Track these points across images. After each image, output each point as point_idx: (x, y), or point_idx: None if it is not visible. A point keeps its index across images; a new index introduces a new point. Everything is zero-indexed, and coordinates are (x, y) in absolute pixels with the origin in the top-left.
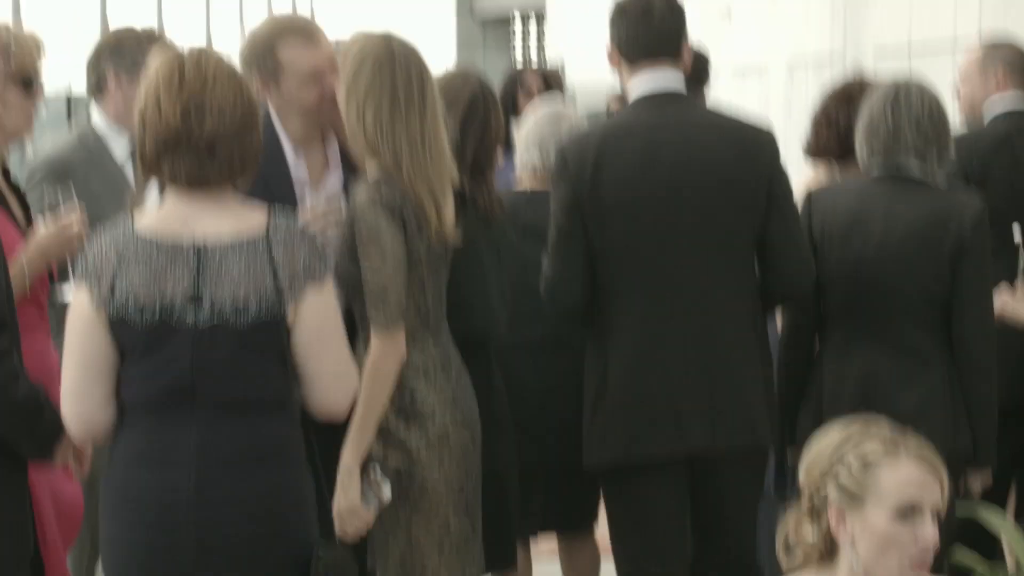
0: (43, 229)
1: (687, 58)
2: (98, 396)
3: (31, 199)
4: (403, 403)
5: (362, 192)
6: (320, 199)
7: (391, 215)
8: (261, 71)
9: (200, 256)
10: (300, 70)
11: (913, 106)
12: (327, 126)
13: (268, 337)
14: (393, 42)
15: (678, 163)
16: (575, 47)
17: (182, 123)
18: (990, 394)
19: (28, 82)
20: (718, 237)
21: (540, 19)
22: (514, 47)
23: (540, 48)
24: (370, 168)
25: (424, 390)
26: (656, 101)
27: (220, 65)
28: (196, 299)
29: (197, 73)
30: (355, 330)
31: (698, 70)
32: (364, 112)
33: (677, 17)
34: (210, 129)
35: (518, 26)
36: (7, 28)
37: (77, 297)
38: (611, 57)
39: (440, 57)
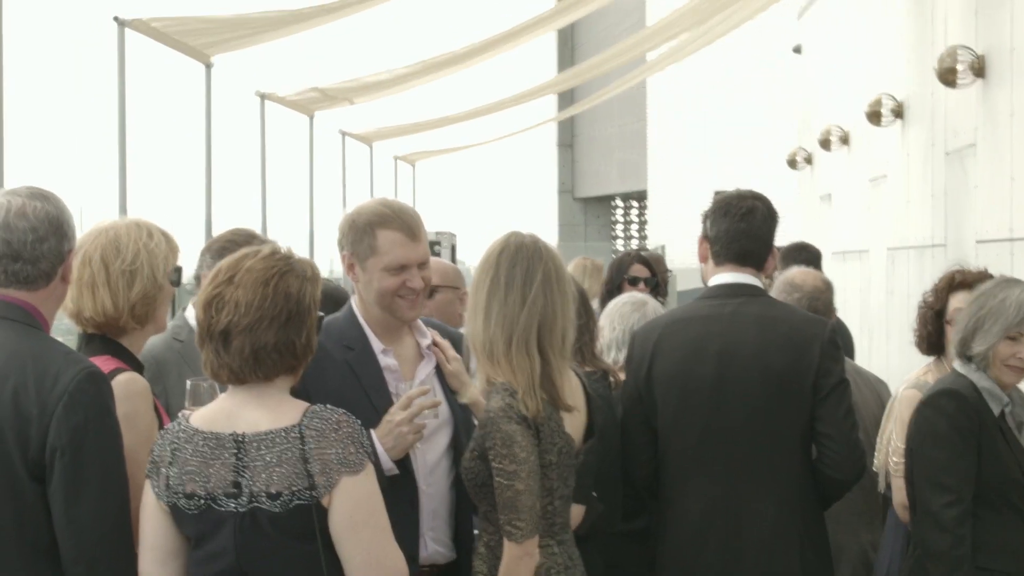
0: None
1: (770, 265)
2: None
3: None
4: None
5: (496, 399)
6: (413, 388)
7: (525, 424)
8: (355, 248)
9: (239, 446)
10: (392, 260)
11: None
12: (411, 318)
13: (303, 522)
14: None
15: (724, 355)
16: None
17: (204, 315)
18: None
19: (176, 281)
20: (763, 427)
21: (641, 198)
22: (615, 225)
23: (641, 226)
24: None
25: None
26: (724, 291)
27: (257, 264)
28: (236, 485)
29: (229, 270)
30: None
31: (808, 259)
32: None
33: (772, 224)
34: (224, 321)
35: (619, 204)
36: (148, 224)
37: (146, 488)
38: (700, 247)
39: (543, 236)
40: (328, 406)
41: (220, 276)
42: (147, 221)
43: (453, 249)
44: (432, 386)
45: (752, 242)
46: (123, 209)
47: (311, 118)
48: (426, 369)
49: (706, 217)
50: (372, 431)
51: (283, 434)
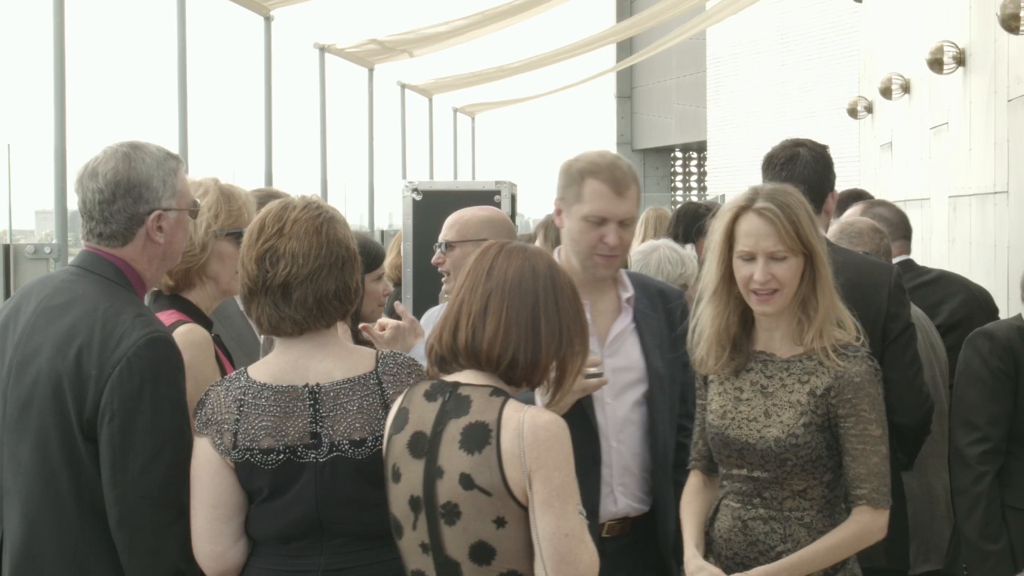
0: None
1: (830, 205)
2: (228, 535)
3: None
4: None
5: (856, 362)
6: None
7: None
8: (563, 193)
9: (315, 397)
10: (593, 210)
11: None
12: (604, 276)
13: (383, 468)
14: None
15: None
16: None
17: (257, 269)
18: None
19: (240, 235)
20: None
21: (700, 149)
22: (674, 177)
23: (700, 178)
24: None
25: None
26: None
27: (301, 215)
28: (315, 436)
29: (275, 223)
30: None
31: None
32: None
33: (822, 167)
34: (283, 273)
35: (678, 155)
36: (216, 182)
37: (199, 446)
38: None
39: None
40: (396, 352)
41: (268, 230)
42: (211, 179)
43: (513, 199)
44: (623, 343)
45: (800, 183)
46: (184, 163)
47: (371, 70)
48: (621, 324)
49: (762, 171)
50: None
51: (361, 382)
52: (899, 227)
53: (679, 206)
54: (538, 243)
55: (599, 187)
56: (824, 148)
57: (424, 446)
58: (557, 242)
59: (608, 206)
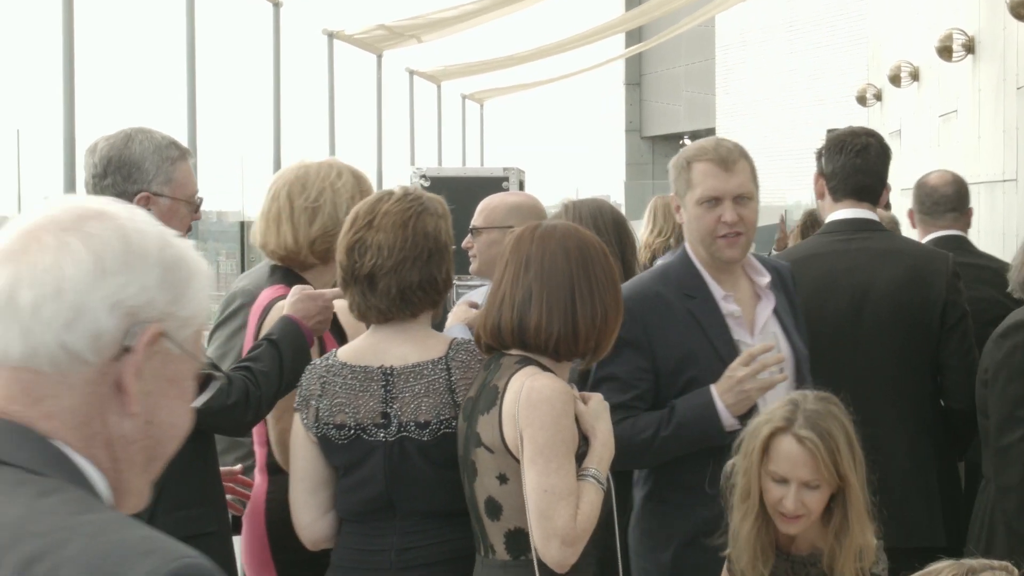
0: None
1: (885, 196)
2: (314, 507)
3: (235, 324)
4: None
5: None
6: (763, 339)
7: None
8: (677, 186)
9: (387, 378)
10: (703, 191)
11: None
12: (732, 258)
13: (448, 450)
14: None
15: (857, 291)
16: None
17: (347, 259)
18: None
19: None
20: (897, 363)
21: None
22: None
23: None
24: None
25: None
26: (846, 226)
27: (393, 207)
28: (384, 416)
29: (367, 215)
30: None
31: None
32: None
33: (886, 158)
34: (369, 264)
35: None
36: (347, 165)
37: (295, 422)
38: (816, 184)
39: (610, 174)
40: (470, 340)
41: (359, 221)
42: (341, 162)
43: (521, 185)
44: (773, 331)
45: (868, 177)
46: (192, 149)
47: (379, 57)
48: (765, 312)
49: (820, 154)
50: (712, 387)
51: (430, 366)
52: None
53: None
54: None
55: (705, 167)
56: (884, 140)
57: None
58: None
59: (718, 183)
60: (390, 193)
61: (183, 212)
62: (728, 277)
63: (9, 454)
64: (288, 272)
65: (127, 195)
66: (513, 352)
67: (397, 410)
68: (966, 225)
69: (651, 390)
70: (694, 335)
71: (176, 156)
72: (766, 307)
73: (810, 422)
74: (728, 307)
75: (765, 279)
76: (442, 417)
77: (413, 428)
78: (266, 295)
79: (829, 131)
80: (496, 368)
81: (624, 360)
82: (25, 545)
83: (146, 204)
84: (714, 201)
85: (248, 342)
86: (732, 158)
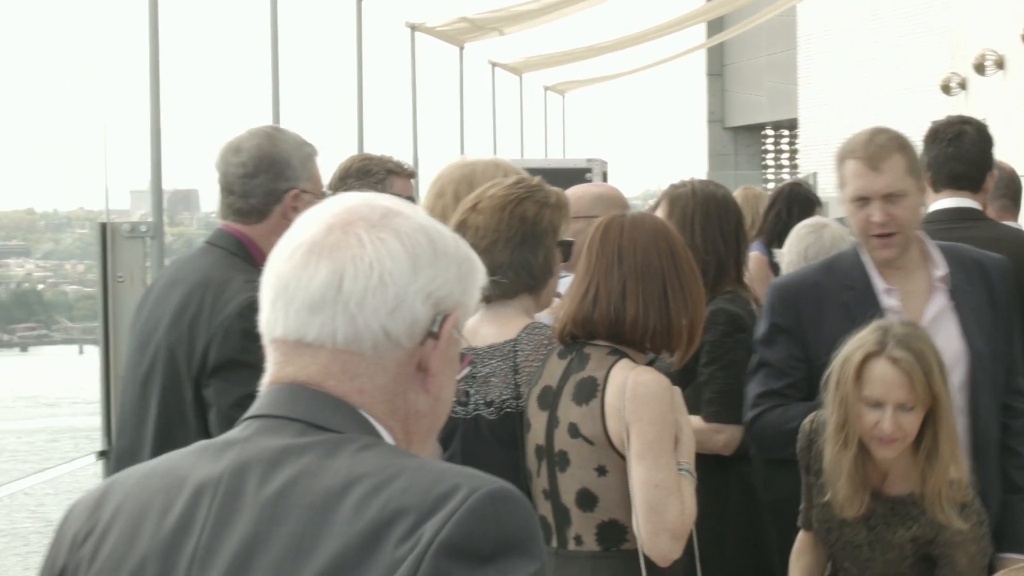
0: None
1: (989, 184)
2: None
3: None
4: None
5: None
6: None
7: None
8: (837, 180)
9: (472, 358)
10: (851, 191)
11: None
12: (886, 258)
13: (511, 430)
14: None
15: None
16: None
17: None
18: None
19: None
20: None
21: (791, 126)
22: (765, 155)
23: (792, 155)
24: None
25: None
26: (945, 215)
27: (499, 191)
28: (466, 395)
29: (475, 199)
30: None
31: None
32: None
33: (985, 145)
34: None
35: (769, 133)
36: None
37: None
38: (924, 175)
39: (692, 165)
40: (545, 324)
41: (467, 204)
42: (508, 162)
43: (604, 176)
44: (940, 326)
45: (963, 165)
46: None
47: (461, 49)
48: (936, 306)
49: (924, 144)
50: None
51: (501, 347)
52: None
53: (784, 187)
54: (660, 213)
55: (853, 166)
56: (985, 127)
57: (549, 398)
58: (682, 214)
59: (864, 183)
60: (504, 180)
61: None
62: (896, 271)
63: (327, 420)
64: None
65: (277, 192)
66: (599, 343)
67: (475, 389)
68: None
69: (805, 379)
70: (845, 327)
71: (311, 152)
72: (936, 302)
73: (902, 344)
74: (889, 301)
75: (940, 272)
76: (504, 397)
77: (483, 406)
78: None
79: (933, 123)
80: (582, 359)
81: (779, 348)
82: (359, 485)
83: (295, 200)
84: (863, 201)
85: None
86: (880, 155)
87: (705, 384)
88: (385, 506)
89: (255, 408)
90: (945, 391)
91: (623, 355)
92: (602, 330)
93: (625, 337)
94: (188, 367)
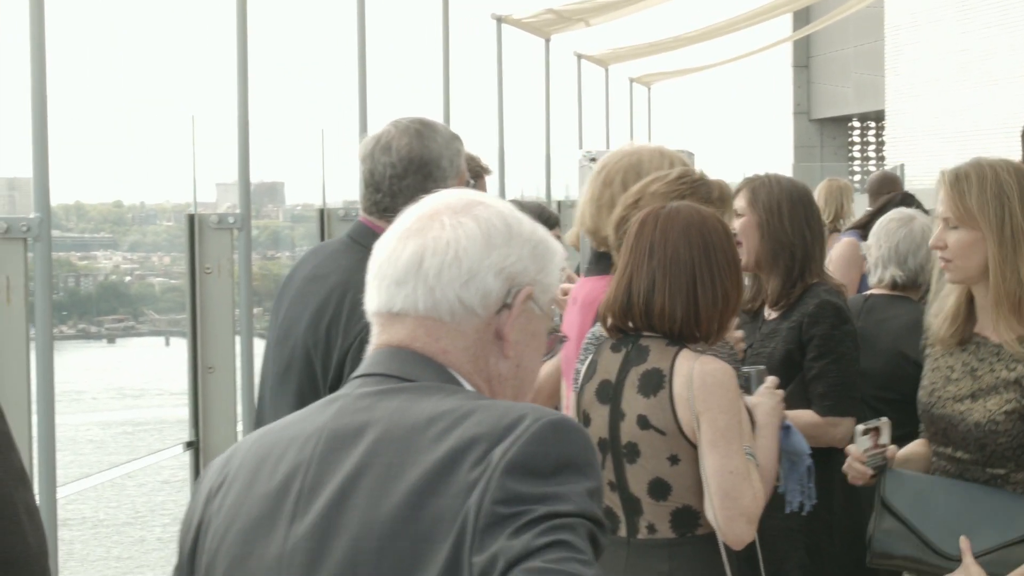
0: None
1: None
2: None
3: None
4: None
5: None
6: None
7: None
8: None
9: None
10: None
11: None
12: None
13: None
14: None
15: None
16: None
17: (614, 236)
18: None
19: None
20: None
21: (878, 118)
22: (852, 147)
23: (878, 147)
24: None
25: None
26: None
27: (661, 187)
28: None
29: (636, 195)
30: None
31: None
32: None
33: None
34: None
35: (856, 125)
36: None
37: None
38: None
39: (777, 157)
40: None
41: (628, 199)
42: (671, 151)
43: None
44: None
45: None
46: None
47: (547, 41)
48: None
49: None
50: None
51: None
52: None
53: (897, 196)
54: (740, 202)
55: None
56: None
57: (609, 392)
58: (767, 201)
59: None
60: (668, 173)
61: None
62: None
63: (417, 375)
64: (611, 261)
65: (424, 192)
66: (653, 335)
67: None
68: None
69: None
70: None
71: (459, 147)
72: None
73: (968, 164)
74: None
75: None
76: None
77: None
78: (597, 285)
79: None
80: (640, 351)
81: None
82: (441, 421)
83: None
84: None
85: (571, 328)
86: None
87: (817, 378)
88: (461, 437)
89: (359, 370)
90: (989, 219)
91: (679, 343)
92: (638, 321)
93: (656, 327)
94: (324, 373)
